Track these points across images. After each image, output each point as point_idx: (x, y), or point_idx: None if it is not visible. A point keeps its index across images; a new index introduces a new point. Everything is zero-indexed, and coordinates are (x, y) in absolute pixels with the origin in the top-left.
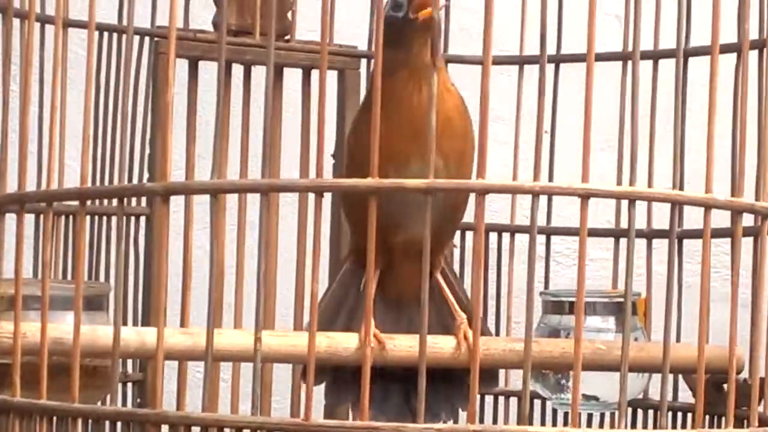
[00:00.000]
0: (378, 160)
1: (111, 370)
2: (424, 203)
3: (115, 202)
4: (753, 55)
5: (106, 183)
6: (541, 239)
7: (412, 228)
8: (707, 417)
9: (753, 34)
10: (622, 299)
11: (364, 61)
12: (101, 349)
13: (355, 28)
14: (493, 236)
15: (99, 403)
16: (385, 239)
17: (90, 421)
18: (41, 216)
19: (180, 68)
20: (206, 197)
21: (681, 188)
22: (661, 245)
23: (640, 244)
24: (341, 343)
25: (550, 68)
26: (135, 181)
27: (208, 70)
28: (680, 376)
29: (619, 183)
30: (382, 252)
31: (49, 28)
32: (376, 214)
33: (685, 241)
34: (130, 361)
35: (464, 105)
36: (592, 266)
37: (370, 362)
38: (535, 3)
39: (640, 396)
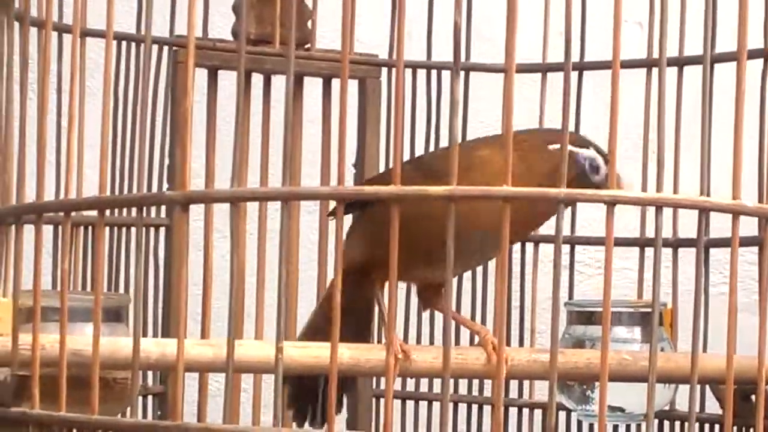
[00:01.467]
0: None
1: (131, 382)
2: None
3: (134, 212)
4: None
5: (126, 193)
6: (565, 249)
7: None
8: (735, 428)
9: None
10: (647, 309)
11: (384, 70)
12: (121, 361)
13: (376, 36)
14: (516, 246)
15: (119, 416)
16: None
17: None
18: (60, 226)
19: (199, 77)
20: (226, 206)
21: (708, 195)
22: (686, 254)
23: (666, 253)
24: (363, 354)
25: (573, 75)
26: (154, 191)
27: (228, 79)
28: (707, 387)
29: (644, 190)
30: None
31: (67, 37)
32: (419, 251)
33: (711, 250)
34: (150, 374)
35: None
36: (616, 276)
37: (395, 373)
38: (558, 11)
39: (667, 407)
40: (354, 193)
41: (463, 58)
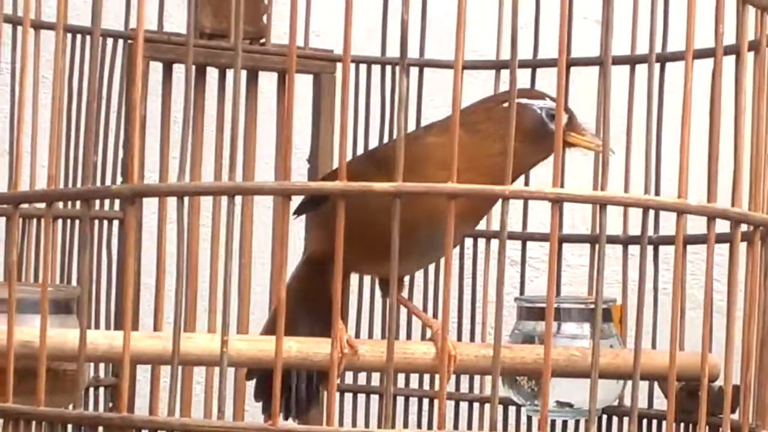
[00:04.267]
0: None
1: (77, 374)
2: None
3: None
4: (730, 61)
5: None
6: (517, 245)
7: (410, 263)
8: (682, 425)
9: (730, 39)
10: None
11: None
12: (69, 353)
13: (334, 31)
14: (468, 242)
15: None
16: (361, 265)
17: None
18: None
19: (155, 71)
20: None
21: (657, 193)
22: (637, 252)
23: (617, 250)
24: (312, 347)
25: (526, 72)
26: (109, 184)
27: (183, 73)
28: (656, 384)
29: (595, 189)
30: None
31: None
32: (377, 246)
33: (663, 248)
34: (102, 365)
35: None
36: (570, 273)
37: (341, 368)
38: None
39: (616, 403)
40: (299, 189)
41: (417, 55)
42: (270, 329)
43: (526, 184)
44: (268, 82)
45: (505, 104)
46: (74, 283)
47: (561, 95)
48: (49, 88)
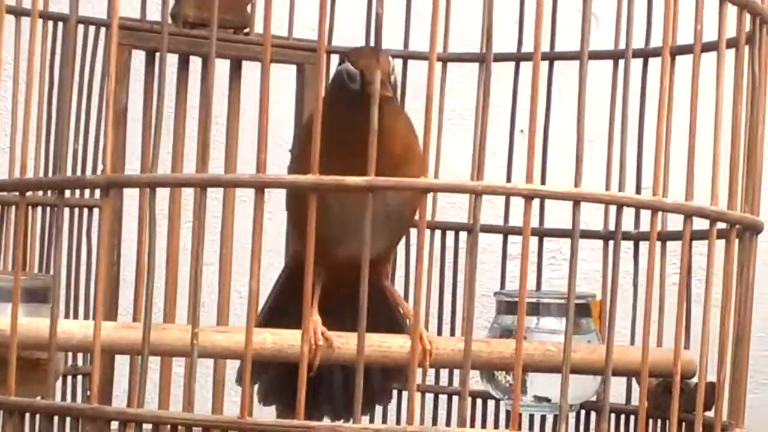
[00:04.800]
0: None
1: (48, 361)
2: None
3: (67, 194)
4: (711, 58)
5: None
6: (497, 239)
7: (353, 244)
8: (659, 421)
9: (709, 36)
10: (577, 300)
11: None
12: (43, 342)
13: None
14: (450, 235)
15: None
16: (326, 255)
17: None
18: None
19: (138, 60)
20: (167, 190)
21: (638, 190)
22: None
23: (597, 245)
24: (287, 340)
25: (509, 66)
26: (89, 173)
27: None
28: (633, 379)
29: (576, 185)
30: (325, 265)
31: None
32: (318, 232)
33: (643, 244)
34: (80, 354)
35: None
36: (553, 267)
37: (316, 361)
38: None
39: (594, 398)
40: (273, 181)
41: (402, 47)
42: (265, 320)
43: (509, 180)
44: (253, 72)
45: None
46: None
47: (537, 90)
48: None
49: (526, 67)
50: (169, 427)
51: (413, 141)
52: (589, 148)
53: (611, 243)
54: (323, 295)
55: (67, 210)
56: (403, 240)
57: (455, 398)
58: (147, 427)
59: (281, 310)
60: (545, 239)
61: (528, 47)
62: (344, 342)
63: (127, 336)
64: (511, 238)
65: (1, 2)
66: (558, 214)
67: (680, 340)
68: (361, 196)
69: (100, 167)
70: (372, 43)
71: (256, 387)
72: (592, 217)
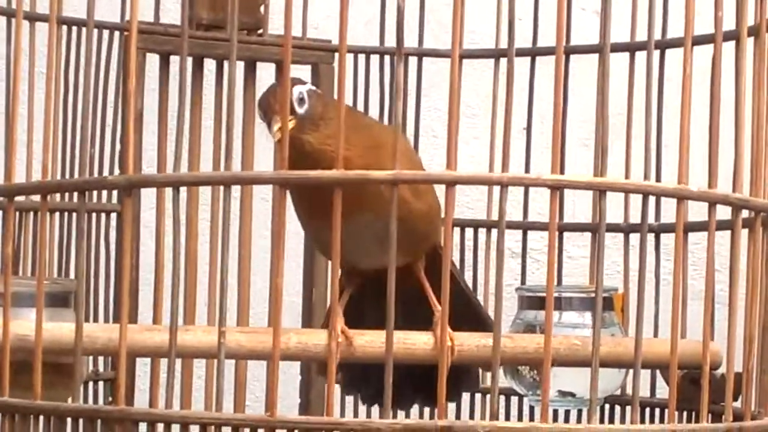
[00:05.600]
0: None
1: (74, 366)
2: (379, 233)
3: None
4: (731, 46)
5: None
6: (517, 235)
7: (369, 260)
8: (685, 413)
9: (730, 25)
10: None
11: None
12: (66, 346)
13: (331, 22)
14: (469, 232)
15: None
16: (353, 269)
17: (58, 419)
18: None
19: (153, 63)
20: (183, 192)
21: (658, 180)
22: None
23: (618, 238)
24: (311, 339)
25: (525, 61)
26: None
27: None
28: (658, 372)
29: (601, 175)
30: (357, 275)
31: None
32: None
33: (664, 236)
34: (101, 359)
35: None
36: (571, 263)
37: (336, 358)
38: None
39: (618, 392)
40: (297, 178)
41: (416, 44)
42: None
43: (527, 171)
44: (267, 72)
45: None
46: (72, 276)
47: (560, 83)
48: (44, 81)
49: (541, 61)
50: (198, 427)
51: (374, 135)
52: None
53: (632, 236)
54: (368, 299)
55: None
56: None
57: (477, 395)
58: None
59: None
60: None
61: (543, 41)
62: (369, 340)
63: (151, 338)
64: (530, 233)
65: (18, 8)
66: (578, 208)
67: (708, 332)
68: (359, 217)
69: (116, 171)
70: (387, 44)
71: (338, 376)
72: (611, 210)
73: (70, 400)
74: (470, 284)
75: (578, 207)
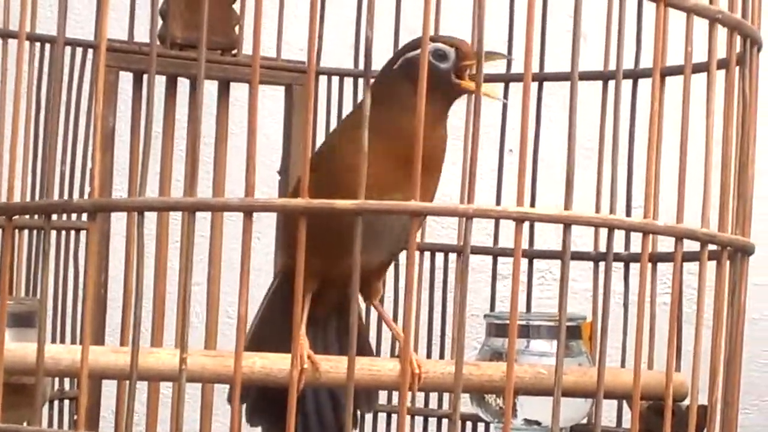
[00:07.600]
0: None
1: (35, 387)
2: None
3: (55, 217)
4: (702, 79)
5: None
6: (487, 260)
7: (380, 252)
8: None
9: (700, 57)
10: (567, 323)
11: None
12: (30, 366)
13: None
14: (439, 257)
15: (25, 423)
16: (328, 267)
17: None
18: None
19: (126, 82)
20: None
21: (628, 212)
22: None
23: (587, 267)
24: (276, 364)
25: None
26: (76, 197)
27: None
28: (624, 402)
29: (567, 208)
30: (321, 277)
31: None
32: (326, 239)
33: (633, 265)
34: (67, 378)
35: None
36: (539, 289)
37: (300, 384)
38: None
39: (584, 421)
40: (262, 206)
41: None
42: (253, 343)
43: (498, 203)
44: (242, 93)
45: (399, 63)
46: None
47: (527, 111)
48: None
49: (515, 87)
50: None
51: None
52: (578, 168)
53: (601, 264)
54: (312, 304)
55: (54, 232)
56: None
57: (444, 421)
58: None
59: (271, 320)
60: (535, 260)
61: (517, 68)
62: (333, 366)
63: (115, 361)
64: (501, 259)
65: None
66: (548, 235)
67: (672, 363)
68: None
69: (87, 188)
70: (362, 66)
71: (243, 407)
72: (582, 237)
73: (26, 423)
74: (441, 309)
75: (549, 233)
